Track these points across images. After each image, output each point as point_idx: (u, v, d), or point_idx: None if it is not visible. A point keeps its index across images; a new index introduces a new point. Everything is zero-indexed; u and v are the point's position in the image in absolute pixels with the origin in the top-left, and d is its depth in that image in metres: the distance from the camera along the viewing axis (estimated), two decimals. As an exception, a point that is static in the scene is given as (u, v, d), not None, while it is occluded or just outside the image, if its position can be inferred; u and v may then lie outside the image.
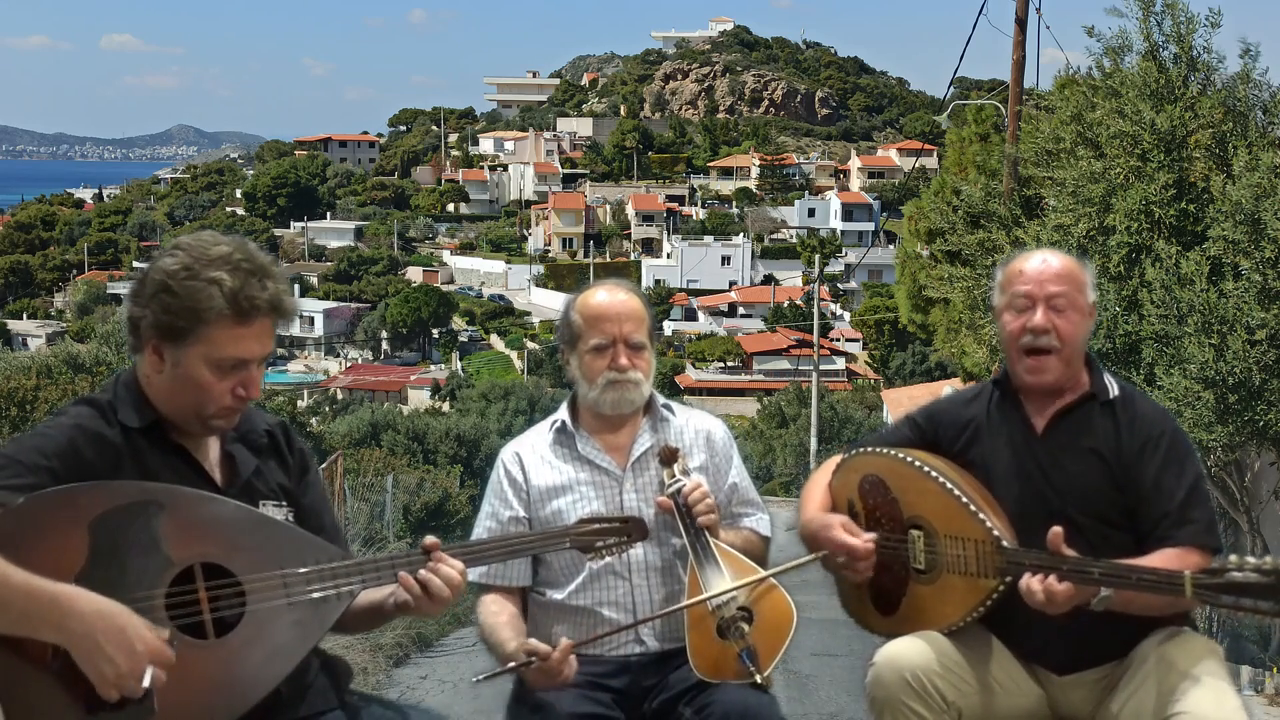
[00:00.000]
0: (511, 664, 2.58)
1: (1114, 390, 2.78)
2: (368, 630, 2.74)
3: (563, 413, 2.97)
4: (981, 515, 2.65)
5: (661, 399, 2.99)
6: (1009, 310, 2.78)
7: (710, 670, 2.64)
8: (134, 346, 2.26)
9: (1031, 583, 2.50)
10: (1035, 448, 2.76)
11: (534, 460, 2.91)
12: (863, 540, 2.77)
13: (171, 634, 2.05)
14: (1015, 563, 2.59)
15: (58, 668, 1.98)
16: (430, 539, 2.39)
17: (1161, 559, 2.55)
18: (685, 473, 2.83)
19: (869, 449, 2.93)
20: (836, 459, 3.02)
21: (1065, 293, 2.72)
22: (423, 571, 2.32)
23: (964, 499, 2.68)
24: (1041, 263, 2.76)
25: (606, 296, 2.88)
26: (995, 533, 2.62)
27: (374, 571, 2.31)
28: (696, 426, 2.98)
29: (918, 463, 2.78)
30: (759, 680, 2.60)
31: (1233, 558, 2.31)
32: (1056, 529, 2.51)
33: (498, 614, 2.77)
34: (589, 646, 2.72)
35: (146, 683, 1.98)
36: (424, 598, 2.31)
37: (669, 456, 2.83)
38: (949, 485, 2.71)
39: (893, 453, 2.85)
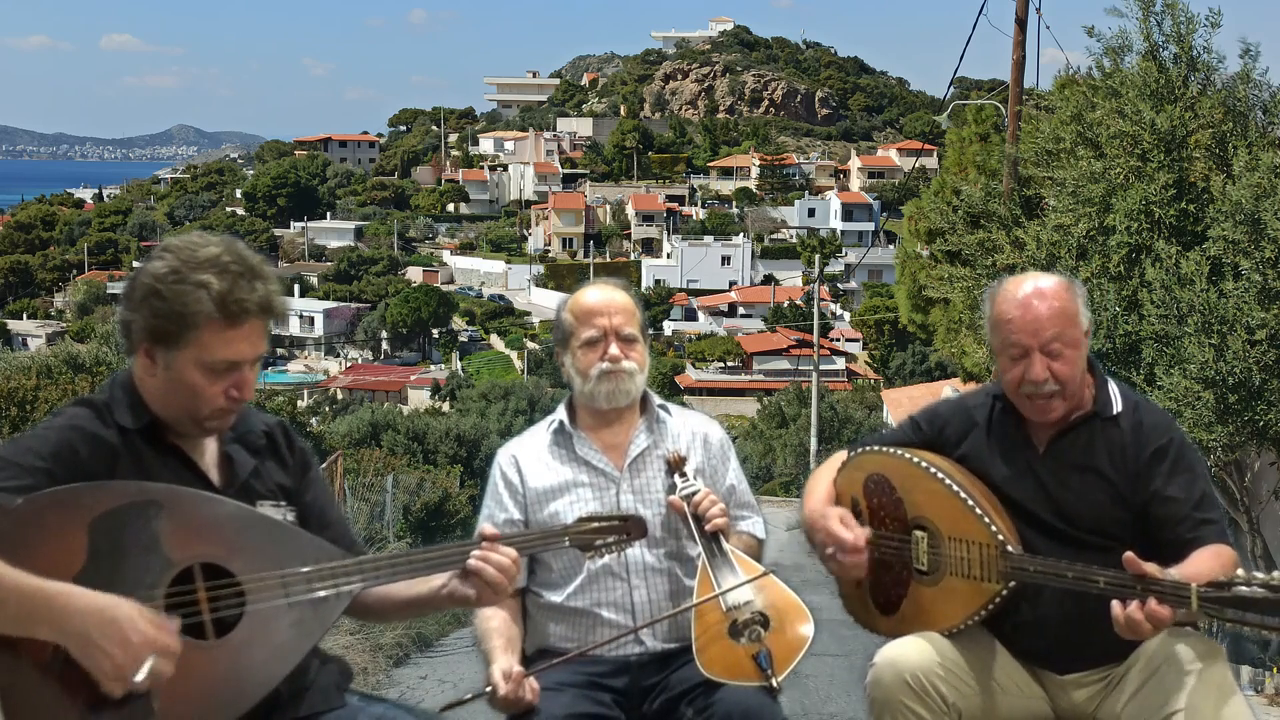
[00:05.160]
0: (469, 695, 2.60)
1: (1118, 405, 2.74)
2: (408, 619, 2.76)
3: (560, 413, 2.97)
4: (987, 519, 2.64)
5: (658, 399, 3.00)
6: (1003, 355, 2.71)
7: (714, 668, 2.63)
8: (127, 349, 2.26)
9: (1131, 612, 2.34)
10: (1035, 465, 2.74)
11: (531, 462, 2.91)
12: (855, 534, 2.75)
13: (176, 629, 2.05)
14: (1019, 568, 2.58)
15: (58, 668, 1.98)
16: (489, 529, 2.40)
17: (1201, 559, 2.50)
18: (696, 477, 2.84)
19: (874, 448, 2.92)
20: (841, 455, 3.01)
21: (1059, 334, 2.63)
22: (473, 561, 2.33)
23: (970, 502, 2.67)
24: (1029, 307, 2.64)
25: (596, 294, 2.91)
26: (1000, 537, 2.62)
27: (373, 571, 2.30)
28: (694, 428, 2.99)
29: (924, 464, 2.77)
30: (775, 685, 2.59)
31: (1240, 572, 2.29)
32: (1128, 555, 2.38)
33: (490, 619, 2.76)
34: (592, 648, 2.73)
35: (141, 675, 1.96)
36: (485, 588, 2.32)
37: (677, 464, 2.85)
38: (955, 487, 2.70)
39: (899, 452, 2.84)
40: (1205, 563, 2.48)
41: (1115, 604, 2.38)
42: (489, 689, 2.56)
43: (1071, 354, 2.65)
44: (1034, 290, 2.68)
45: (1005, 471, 2.76)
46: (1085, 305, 2.72)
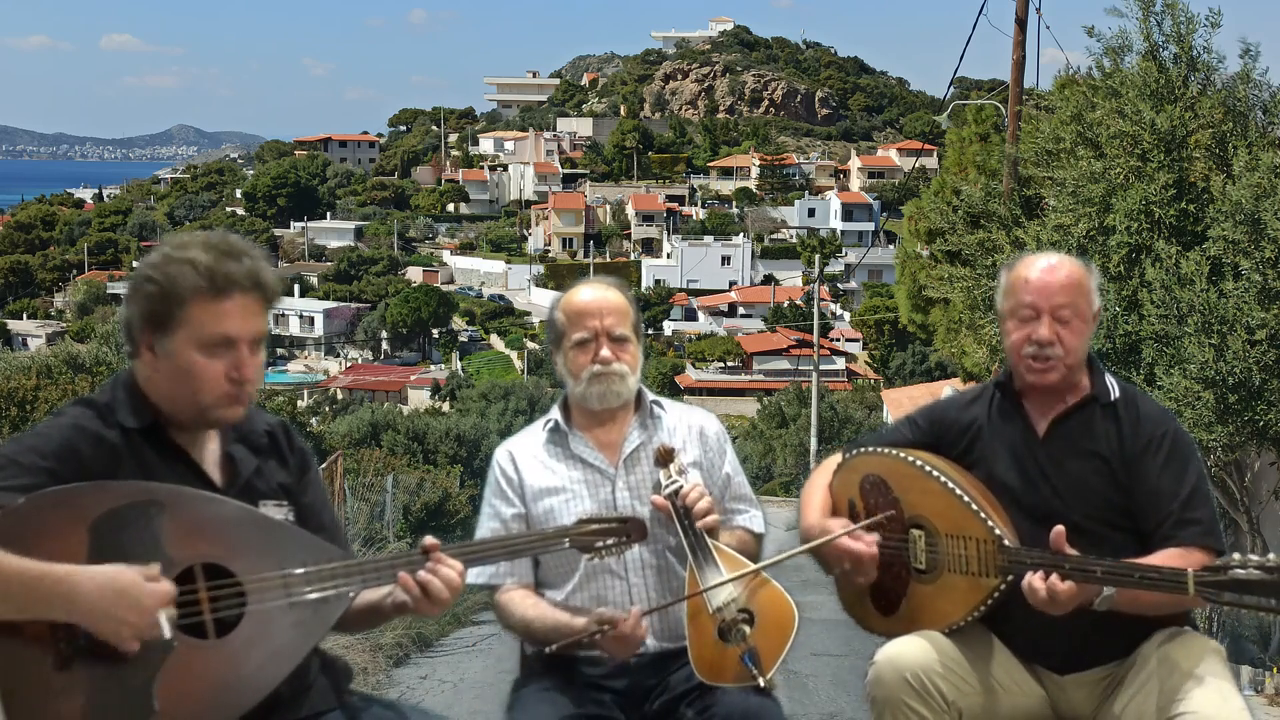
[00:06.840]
0: (587, 633, 2.60)
1: (1115, 392, 2.78)
2: (366, 630, 2.74)
3: (555, 412, 2.96)
4: (983, 514, 2.66)
5: (651, 395, 2.98)
6: (1013, 318, 2.76)
7: (712, 673, 2.63)
8: (131, 352, 2.27)
9: (1034, 581, 2.51)
10: (1036, 451, 2.76)
11: (527, 459, 2.91)
12: (865, 544, 2.77)
13: (169, 608, 2.06)
14: (1017, 561, 2.59)
15: (59, 661, 2.00)
16: (429, 539, 2.39)
17: (1165, 558, 2.55)
18: (681, 473, 2.82)
19: (870, 449, 2.93)
20: (835, 459, 3.02)
21: (1070, 303, 2.70)
22: (422, 573, 2.32)
23: (966, 498, 2.68)
24: (1046, 271, 2.73)
25: (589, 293, 2.89)
26: (997, 531, 2.63)
27: (374, 571, 2.31)
28: (689, 422, 2.98)
29: (919, 462, 2.78)
30: (762, 683, 2.59)
31: (1236, 555, 2.33)
32: (1059, 528, 2.51)
33: (537, 603, 2.78)
34: (585, 648, 2.72)
35: (167, 632, 2.02)
36: (423, 599, 2.32)
37: (665, 457, 2.82)
38: (951, 485, 2.71)
39: (894, 452, 2.85)
40: (1170, 562, 2.51)
41: (1028, 574, 2.52)
42: (605, 626, 2.57)
43: (1079, 325, 2.72)
44: (1051, 262, 2.77)
45: (1006, 458, 2.78)
46: (1097, 289, 2.79)
